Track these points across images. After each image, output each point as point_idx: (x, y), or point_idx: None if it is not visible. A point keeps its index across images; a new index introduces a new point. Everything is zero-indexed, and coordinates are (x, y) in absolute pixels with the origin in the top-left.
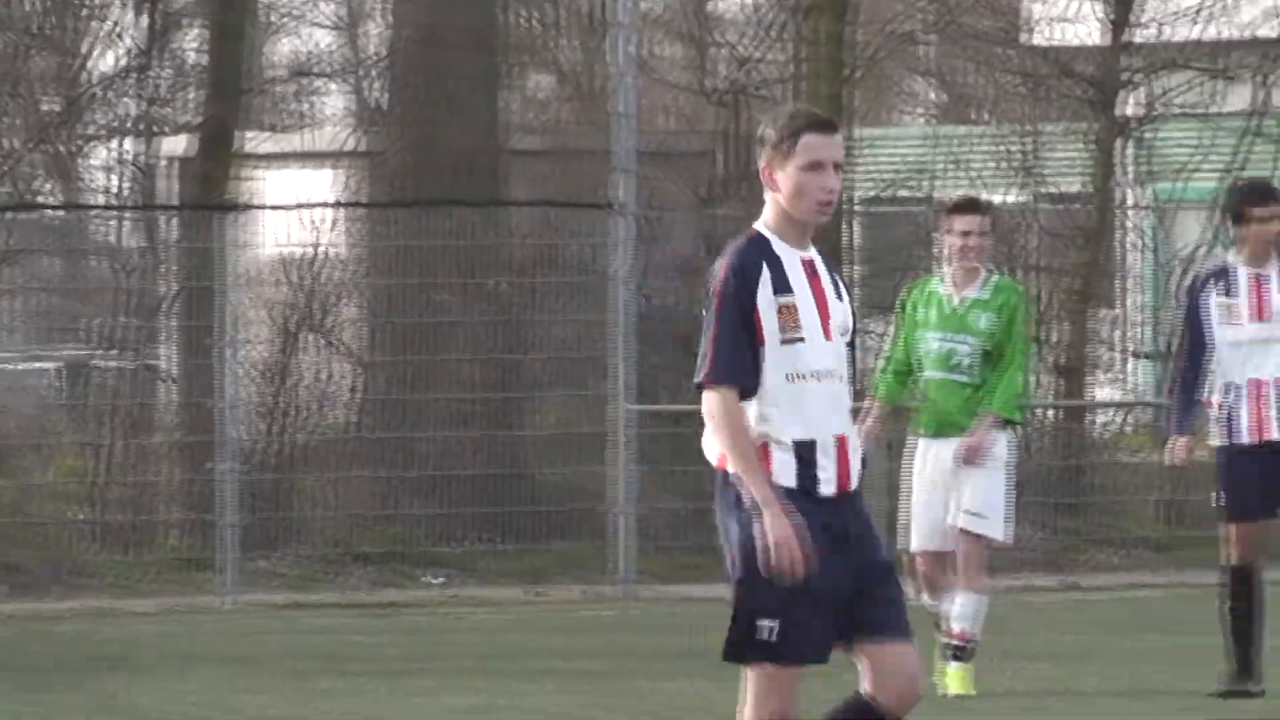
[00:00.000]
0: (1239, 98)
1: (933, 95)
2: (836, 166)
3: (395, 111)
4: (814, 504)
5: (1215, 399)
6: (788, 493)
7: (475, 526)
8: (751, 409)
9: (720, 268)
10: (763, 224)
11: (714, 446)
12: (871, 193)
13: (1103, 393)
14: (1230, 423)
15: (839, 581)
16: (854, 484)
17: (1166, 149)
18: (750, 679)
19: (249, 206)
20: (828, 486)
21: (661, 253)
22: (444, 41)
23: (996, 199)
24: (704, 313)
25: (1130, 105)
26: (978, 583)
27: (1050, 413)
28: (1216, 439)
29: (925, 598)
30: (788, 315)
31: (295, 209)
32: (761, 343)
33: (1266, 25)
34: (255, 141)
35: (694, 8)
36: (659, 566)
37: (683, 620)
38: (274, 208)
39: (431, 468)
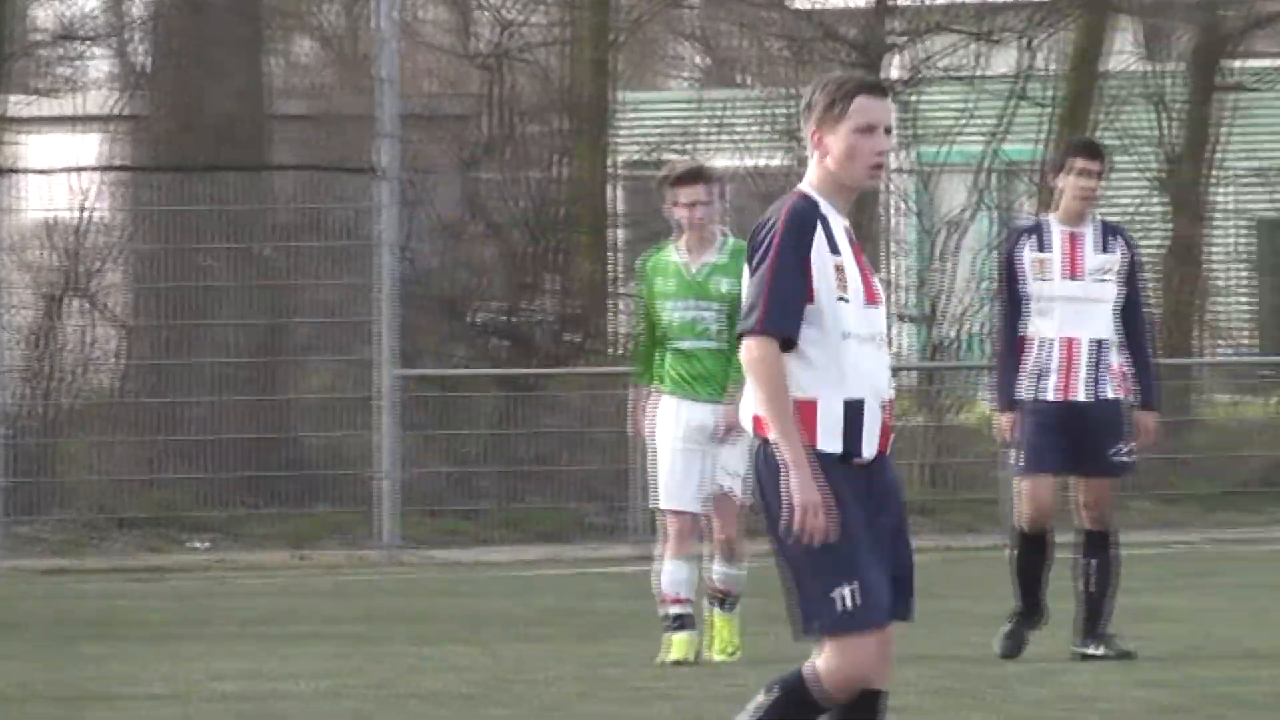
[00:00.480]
0: (1003, 61)
1: (697, 59)
2: (888, 130)
3: (159, 76)
4: (852, 470)
5: (1029, 355)
6: (829, 458)
7: (240, 491)
8: (801, 367)
9: (777, 218)
10: (809, 186)
11: (750, 407)
12: (636, 157)
13: None
14: (1038, 379)
15: (884, 543)
16: (889, 448)
17: (931, 113)
18: (827, 649)
19: (12, 171)
20: (869, 448)
21: (425, 216)
22: (207, 6)
23: (761, 163)
24: (753, 262)
25: (895, 68)
26: (740, 544)
27: None
28: (1022, 393)
29: (668, 563)
30: (840, 275)
31: (60, 173)
32: (811, 300)
33: None
34: (19, 105)
35: None
36: (423, 531)
37: (446, 584)
38: (38, 172)
39: (196, 432)
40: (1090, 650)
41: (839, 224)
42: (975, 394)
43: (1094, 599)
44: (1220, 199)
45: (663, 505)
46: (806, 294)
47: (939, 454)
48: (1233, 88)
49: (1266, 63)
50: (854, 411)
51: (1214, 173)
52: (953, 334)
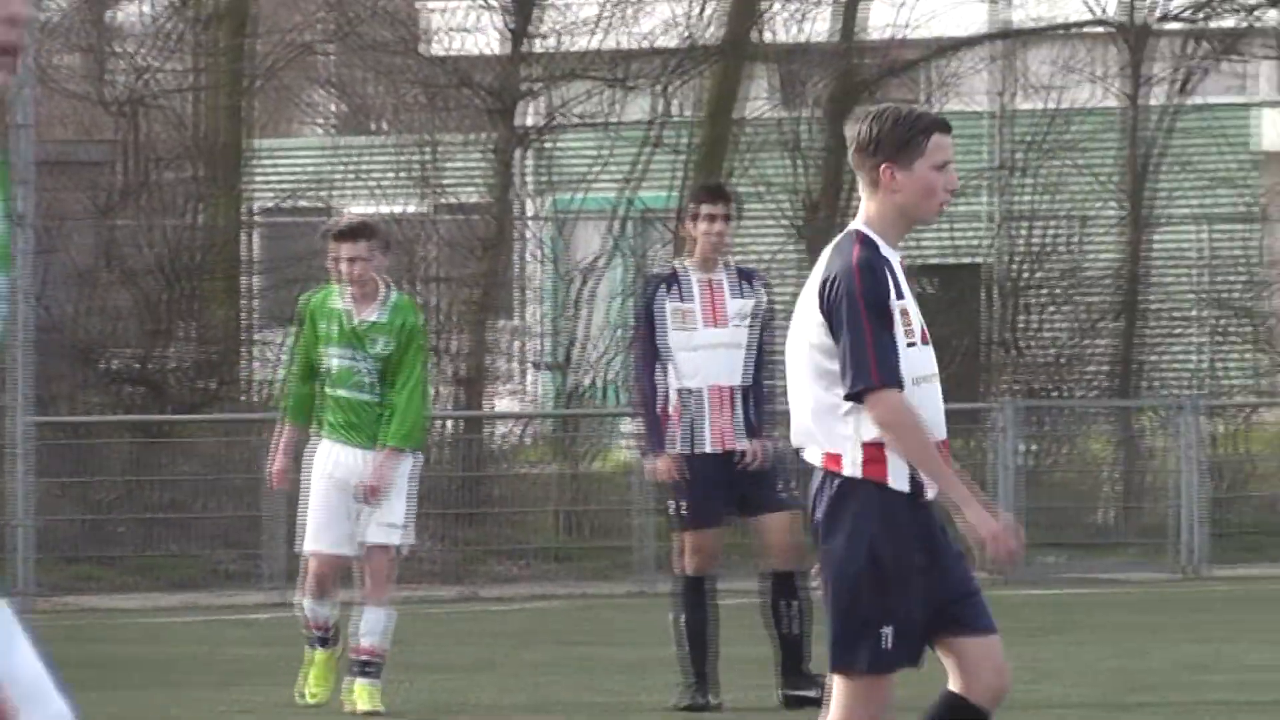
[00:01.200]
0: (639, 108)
1: (333, 106)
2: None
3: None
4: (918, 509)
5: (674, 406)
6: (899, 497)
7: None
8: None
9: (849, 269)
10: (865, 225)
11: (817, 446)
12: (271, 203)
13: (502, 404)
14: (693, 431)
15: (934, 584)
16: None
17: (566, 159)
18: (846, 687)
19: None
20: (931, 489)
21: (60, 263)
22: None
23: (396, 209)
24: (833, 317)
25: (530, 115)
26: (386, 596)
27: (449, 424)
28: (679, 446)
29: (308, 602)
30: (906, 319)
31: None
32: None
33: (665, 35)
34: None
35: (92, 17)
36: (59, 577)
37: (81, 631)
38: None
39: None
40: (803, 693)
41: (896, 261)
42: (611, 441)
43: (796, 640)
44: None
45: (306, 547)
46: (894, 342)
47: (574, 501)
48: None
49: None
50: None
51: (850, 220)
52: (588, 381)
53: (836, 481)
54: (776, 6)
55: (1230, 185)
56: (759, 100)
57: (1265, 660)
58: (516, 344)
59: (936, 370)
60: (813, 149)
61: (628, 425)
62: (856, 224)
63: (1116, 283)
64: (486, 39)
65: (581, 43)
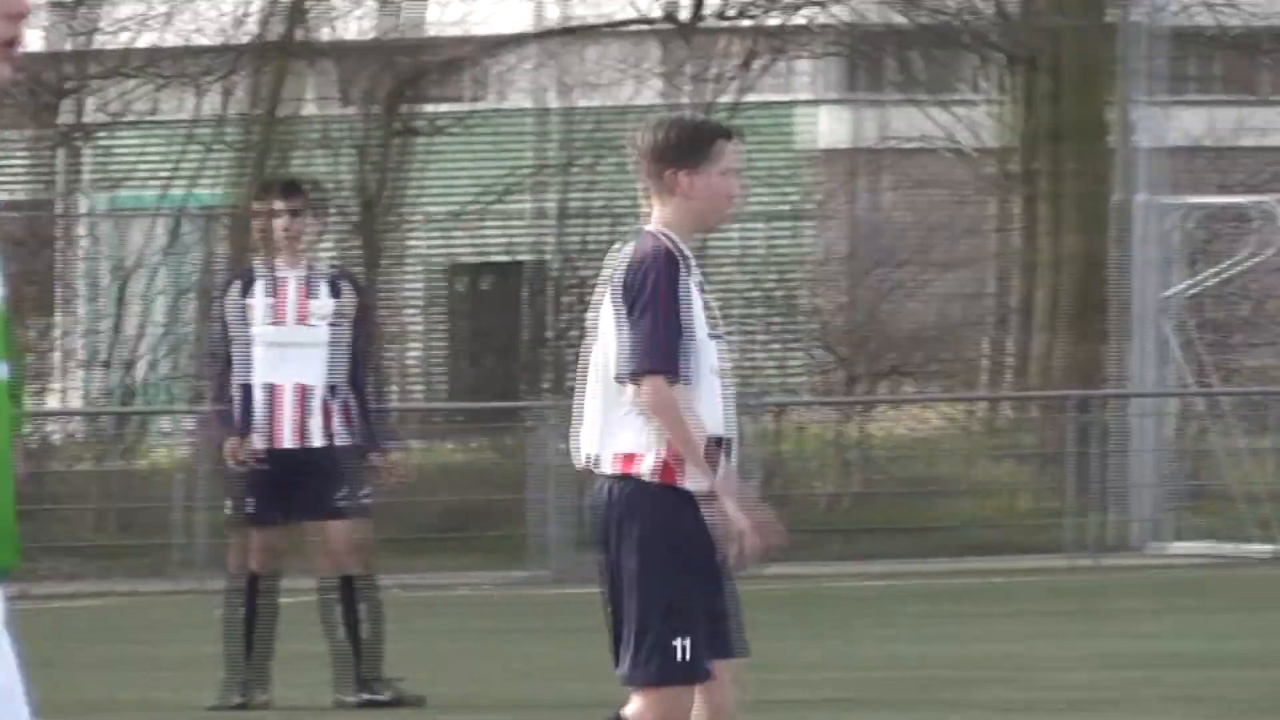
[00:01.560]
0: (202, 105)
1: None
2: (738, 171)
3: None
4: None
5: (238, 401)
6: (692, 500)
7: None
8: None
9: (656, 255)
10: (664, 226)
11: (619, 442)
12: None
13: (53, 401)
14: (270, 427)
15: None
16: None
17: (111, 156)
18: (651, 699)
19: None
20: (696, 483)
21: None
22: None
23: None
24: (625, 305)
25: (75, 111)
26: None
27: None
28: (255, 442)
29: None
30: (709, 310)
31: None
32: (692, 337)
33: (214, 33)
34: None
35: None
36: None
37: None
38: None
39: None
40: (376, 696)
41: (691, 258)
42: (162, 439)
43: (369, 644)
44: (413, 243)
45: None
46: (685, 331)
47: (126, 497)
48: (421, 132)
49: (454, 107)
50: (724, 447)
51: (404, 217)
52: (139, 378)
53: (630, 486)
54: (326, 5)
55: (780, 183)
56: (311, 98)
57: (820, 658)
58: (62, 341)
59: (729, 365)
60: (367, 145)
61: (177, 422)
62: (650, 228)
63: None
64: (32, 35)
65: (125, 39)
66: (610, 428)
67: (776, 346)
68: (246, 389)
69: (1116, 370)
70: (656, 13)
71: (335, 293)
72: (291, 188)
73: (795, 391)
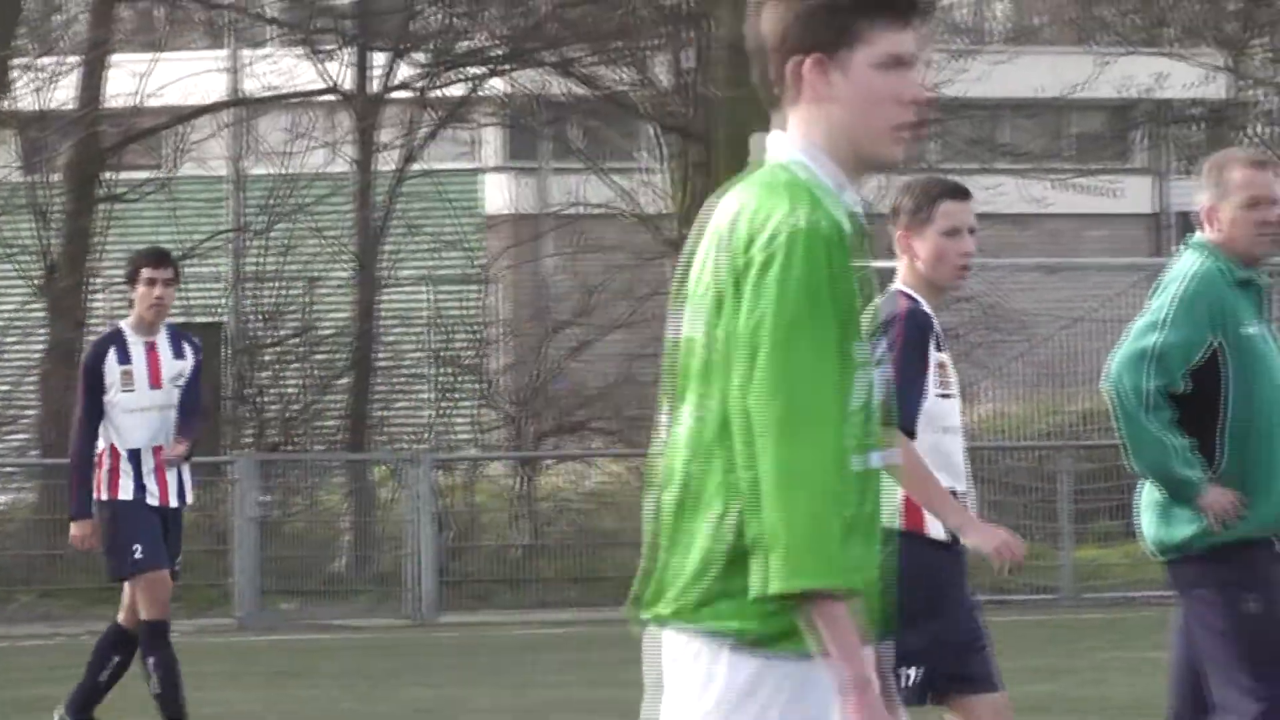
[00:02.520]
0: None
1: None
2: (971, 230)
3: None
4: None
5: (105, 459)
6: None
7: None
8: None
9: (894, 321)
10: (906, 286)
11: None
12: None
13: None
14: (138, 487)
15: None
16: None
17: None
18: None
19: None
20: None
21: None
22: None
23: None
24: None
25: None
26: None
27: None
28: (131, 495)
29: None
30: (943, 372)
31: None
32: (926, 396)
33: None
34: None
35: None
36: None
37: None
38: None
39: None
40: None
41: (937, 322)
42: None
43: (170, 693)
44: (99, 304)
45: None
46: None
47: None
48: (110, 198)
49: (142, 174)
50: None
51: (92, 279)
52: None
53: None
54: (19, 73)
55: (457, 248)
56: (3, 165)
57: (491, 704)
58: None
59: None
60: (55, 212)
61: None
62: (898, 285)
63: (348, 341)
64: None
65: None
66: None
67: (452, 404)
68: (123, 451)
69: None
70: (348, 84)
71: (182, 355)
72: (163, 257)
73: (471, 446)
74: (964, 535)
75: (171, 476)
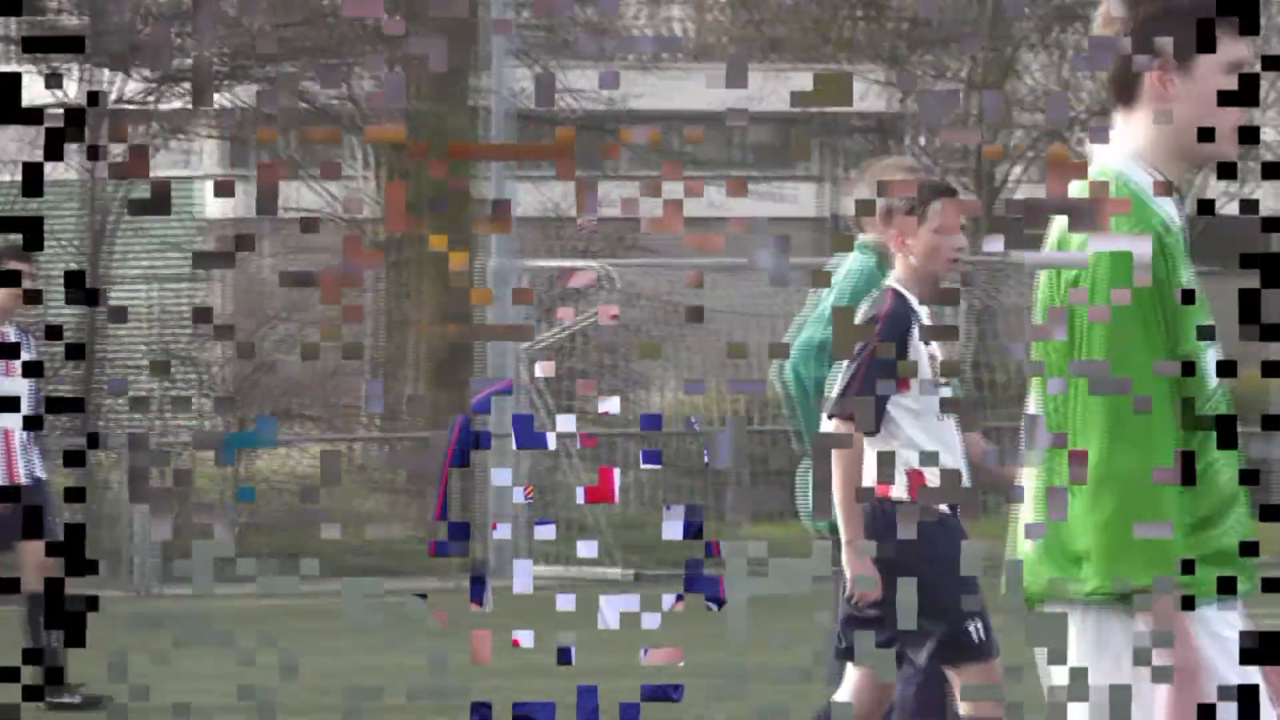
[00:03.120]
0: None
1: None
2: (961, 227)
3: None
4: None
5: None
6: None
7: None
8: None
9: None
10: (897, 283)
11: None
12: None
13: None
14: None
15: None
16: None
17: None
18: (963, 677)
19: None
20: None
21: None
22: None
23: None
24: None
25: None
26: None
27: None
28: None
29: None
30: (934, 364)
31: None
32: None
33: None
34: None
35: None
36: None
37: None
38: None
39: None
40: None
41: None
42: None
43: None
44: None
45: None
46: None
47: None
48: None
49: None
50: None
51: None
52: None
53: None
54: None
55: (178, 249)
56: None
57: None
58: None
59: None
60: None
61: None
62: (889, 281)
63: (75, 333)
64: None
65: None
66: None
67: (171, 397)
68: None
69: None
70: (77, 97)
71: (26, 347)
72: (20, 254)
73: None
74: (844, 554)
75: (19, 457)
